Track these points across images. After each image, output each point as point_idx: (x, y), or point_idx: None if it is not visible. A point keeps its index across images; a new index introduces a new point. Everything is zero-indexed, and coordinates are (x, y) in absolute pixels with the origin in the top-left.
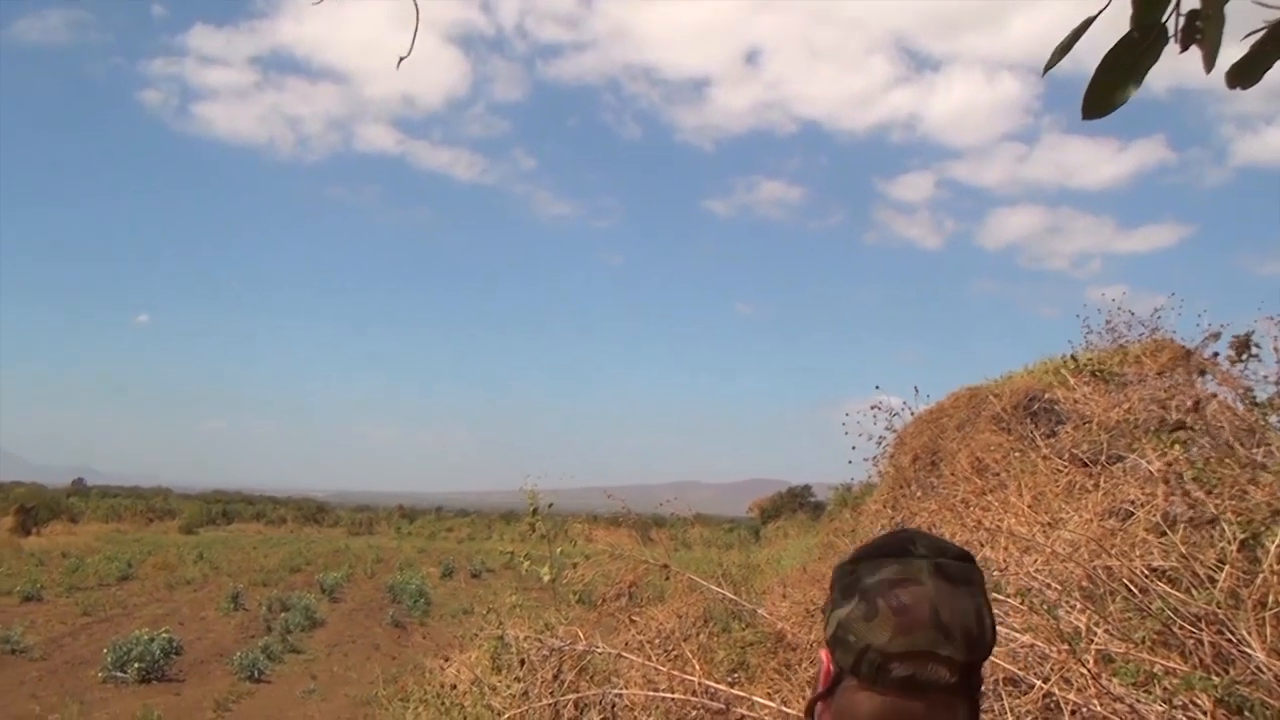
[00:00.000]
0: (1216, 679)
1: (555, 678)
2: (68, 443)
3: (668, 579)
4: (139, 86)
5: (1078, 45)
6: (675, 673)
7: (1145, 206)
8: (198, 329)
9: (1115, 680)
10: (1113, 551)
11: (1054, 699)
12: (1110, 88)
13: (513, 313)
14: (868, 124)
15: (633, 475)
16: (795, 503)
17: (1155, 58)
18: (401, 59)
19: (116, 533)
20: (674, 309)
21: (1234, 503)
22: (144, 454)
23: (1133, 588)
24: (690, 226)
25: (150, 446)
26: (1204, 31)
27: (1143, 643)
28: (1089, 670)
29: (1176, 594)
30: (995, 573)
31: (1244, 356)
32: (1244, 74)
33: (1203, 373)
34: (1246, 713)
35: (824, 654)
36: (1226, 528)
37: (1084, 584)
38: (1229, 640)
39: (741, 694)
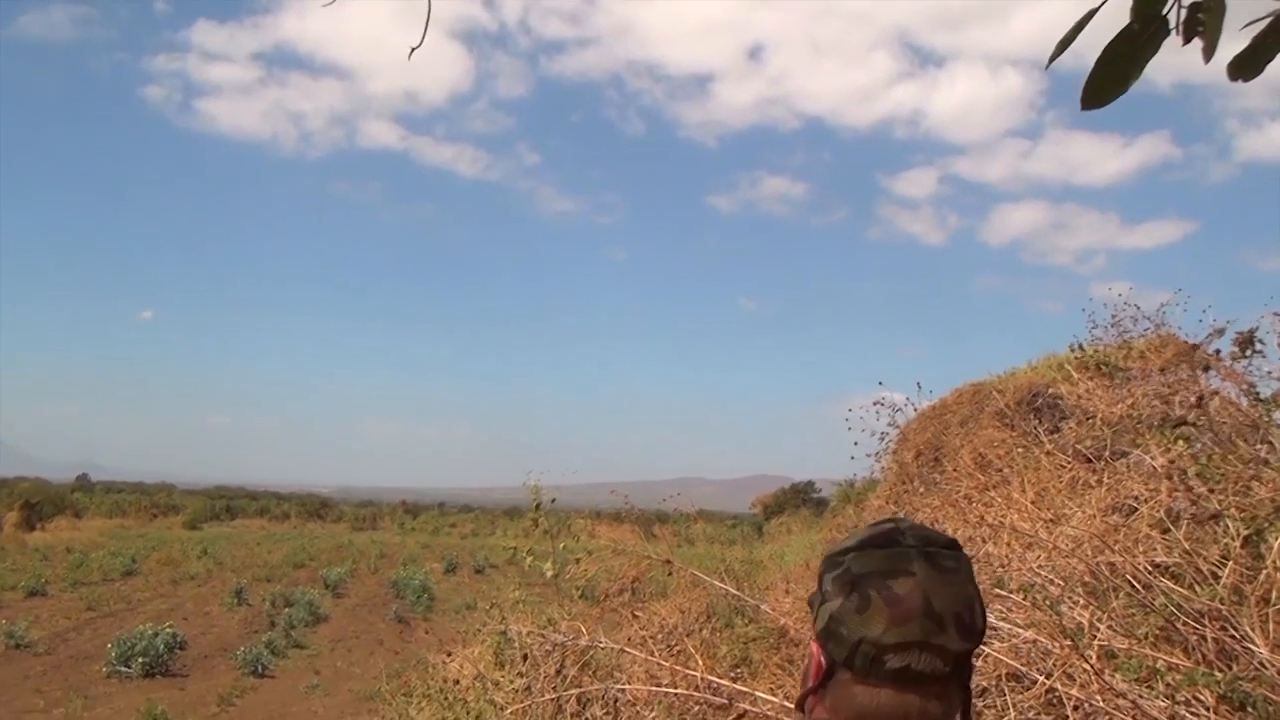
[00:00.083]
0: (1219, 675)
1: (558, 673)
2: (72, 438)
3: (670, 575)
4: (142, 82)
5: (1081, 40)
6: (678, 668)
7: (1149, 202)
8: (201, 325)
9: (1118, 676)
10: (1116, 547)
11: (1056, 695)
12: (1110, 79)
13: (516, 309)
14: (871, 120)
15: (636, 471)
16: (798, 499)
17: (1155, 49)
18: (413, 49)
19: (121, 528)
20: (677, 305)
21: (1237, 499)
22: (148, 449)
23: (1136, 584)
24: (693, 222)
25: (154, 442)
26: (1205, 23)
27: (1146, 639)
28: (1092, 666)
29: (1180, 590)
30: (998, 568)
31: (1248, 352)
32: (1245, 66)
33: (1205, 369)
34: (1249, 708)
35: (814, 647)
36: (1230, 524)
37: (1087, 580)
38: (1232, 636)
39: (744, 689)
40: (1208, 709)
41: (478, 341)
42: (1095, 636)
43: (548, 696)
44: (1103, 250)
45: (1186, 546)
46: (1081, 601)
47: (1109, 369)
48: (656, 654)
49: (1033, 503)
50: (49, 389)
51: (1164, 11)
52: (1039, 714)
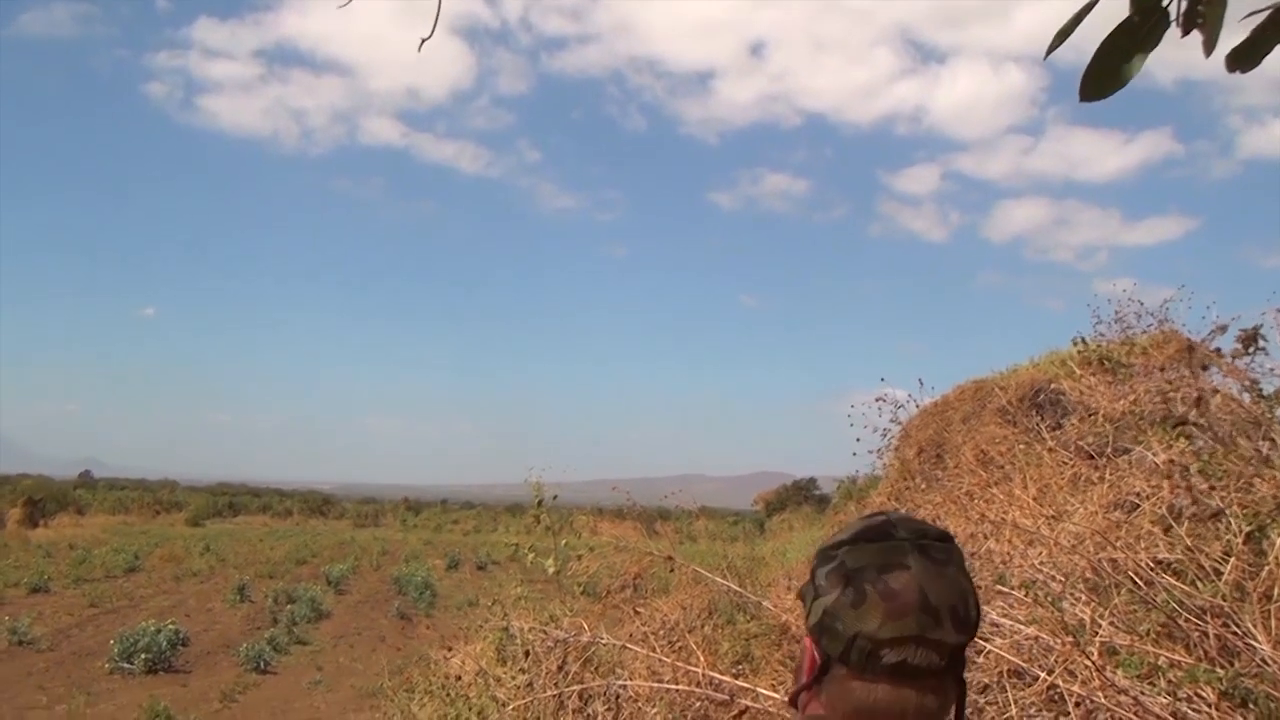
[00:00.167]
0: (1221, 671)
1: (560, 669)
2: (75, 435)
3: (672, 571)
4: (144, 79)
5: (1084, 35)
6: (680, 664)
7: (1151, 199)
8: (204, 322)
9: (1120, 673)
10: (1118, 544)
11: (1058, 691)
12: (1108, 71)
13: (517, 306)
14: (873, 116)
15: (637, 468)
16: (800, 495)
17: (1155, 41)
18: (424, 40)
19: (123, 525)
20: (679, 302)
21: (1239, 495)
22: (151, 446)
23: (1138, 580)
24: (695, 219)
25: (157, 439)
26: (1205, 15)
27: (1147, 635)
28: (1093, 663)
29: (1181, 586)
30: (1000, 565)
31: (1251, 350)
32: (1244, 58)
33: (1205, 367)
34: (1251, 705)
35: (808, 642)
36: (1232, 520)
37: (1089, 576)
38: (1234, 633)
39: (746, 685)
40: (1209, 705)
41: (479, 338)
42: (1097, 633)
43: (550, 693)
44: (1104, 247)
45: (1189, 543)
46: (1083, 598)
47: (1112, 364)
48: (658, 650)
49: (1035, 499)
50: (52, 386)
51: (1164, 4)
52: (1040, 710)
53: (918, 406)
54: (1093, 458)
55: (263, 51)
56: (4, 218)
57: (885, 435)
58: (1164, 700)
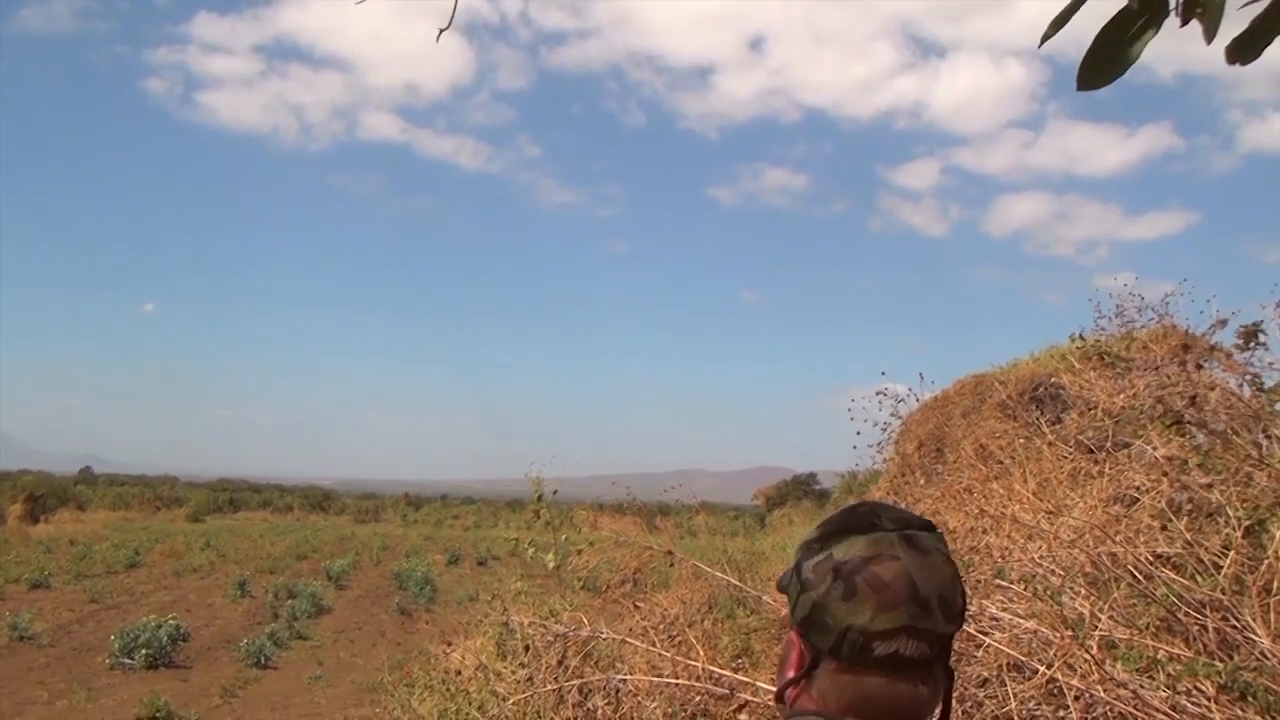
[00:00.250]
0: (1220, 665)
1: (560, 663)
2: (75, 431)
3: (672, 566)
4: (143, 75)
5: (1085, 26)
6: (679, 659)
7: (1152, 193)
8: (204, 317)
9: (1119, 666)
10: (1117, 538)
11: (1057, 685)
12: (1107, 60)
13: (517, 301)
14: (873, 111)
15: (637, 463)
16: (800, 490)
17: (1154, 31)
18: (441, 31)
19: (124, 520)
20: (678, 297)
21: (1239, 489)
22: (151, 442)
23: (1137, 574)
24: (694, 214)
25: (157, 435)
26: (1204, 4)
27: (1147, 629)
28: (1093, 656)
29: (1181, 580)
30: (999, 559)
31: (1251, 345)
32: (1243, 49)
33: (1199, 366)
34: (1250, 699)
35: (794, 637)
36: (1231, 514)
37: (1088, 570)
38: (1233, 626)
39: (745, 679)
40: (1208, 699)
41: (479, 334)
42: (1096, 627)
43: (550, 687)
44: (1105, 241)
45: (1188, 537)
46: (1083, 592)
47: (1111, 359)
48: (658, 645)
49: (1034, 493)
50: (52, 382)
51: None
52: (1040, 704)
53: (918, 401)
54: (1092, 452)
55: (262, 47)
56: (4, 214)
57: (885, 430)
58: (1163, 694)
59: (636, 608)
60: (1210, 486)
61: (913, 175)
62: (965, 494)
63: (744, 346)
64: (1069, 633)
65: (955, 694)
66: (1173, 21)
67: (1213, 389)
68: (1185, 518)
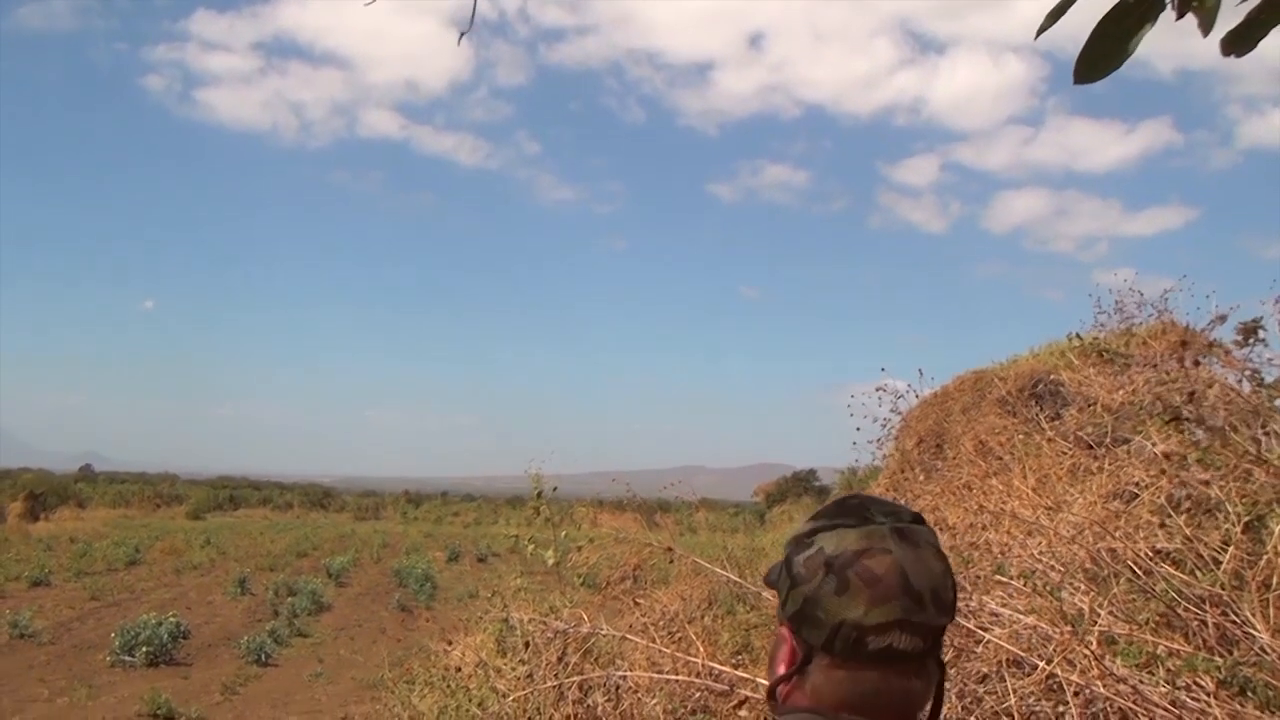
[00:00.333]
0: (1220, 660)
1: (560, 660)
2: (75, 428)
3: (672, 562)
4: (142, 72)
5: (1083, 22)
6: (679, 655)
7: (1151, 189)
8: (204, 314)
9: (1118, 662)
10: (1116, 534)
11: (1057, 680)
12: (1104, 53)
13: (516, 298)
14: (872, 107)
15: (637, 460)
16: (800, 487)
17: (1151, 23)
18: (463, 34)
19: (124, 518)
20: (678, 293)
21: (1238, 485)
22: (151, 440)
23: (1136, 570)
24: (694, 211)
25: (158, 432)
26: None
27: (1146, 624)
28: (1092, 652)
29: (1180, 576)
30: (999, 555)
31: (1250, 341)
32: (1239, 41)
33: (1196, 363)
34: (1249, 694)
35: (785, 632)
36: (1230, 509)
37: (1087, 566)
38: (1233, 622)
39: (746, 676)
40: (1208, 694)
41: (479, 331)
42: (1096, 622)
43: (550, 683)
44: (1104, 237)
45: (1187, 533)
46: (1082, 588)
47: (1110, 355)
48: (658, 641)
49: (1034, 489)
50: (52, 380)
51: None
52: (1039, 699)
53: (917, 397)
54: (1092, 448)
55: (261, 44)
56: (3, 212)
57: (885, 426)
58: (1163, 689)
59: (636, 604)
60: (1209, 482)
61: (912, 171)
62: (965, 490)
63: (744, 343)
64: (1068, 628)
65: (955, 690)
66: (1171, 16)
67: (1212, 385)
68: (1184, 513)
